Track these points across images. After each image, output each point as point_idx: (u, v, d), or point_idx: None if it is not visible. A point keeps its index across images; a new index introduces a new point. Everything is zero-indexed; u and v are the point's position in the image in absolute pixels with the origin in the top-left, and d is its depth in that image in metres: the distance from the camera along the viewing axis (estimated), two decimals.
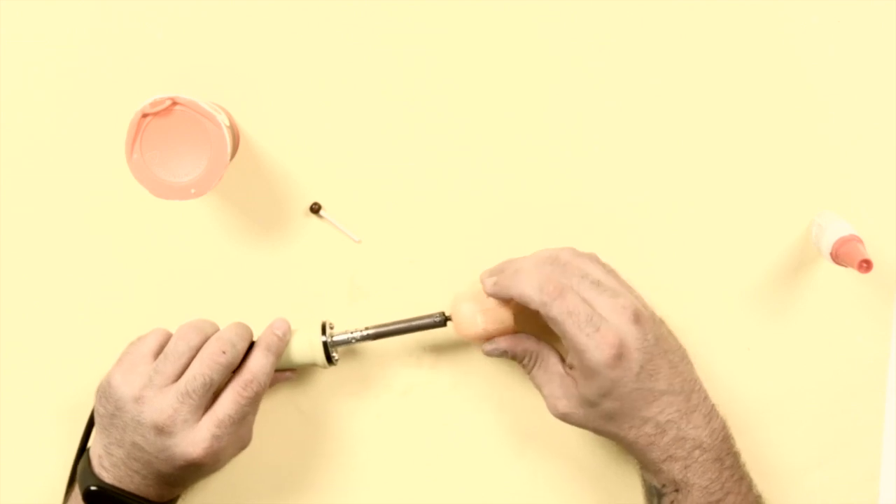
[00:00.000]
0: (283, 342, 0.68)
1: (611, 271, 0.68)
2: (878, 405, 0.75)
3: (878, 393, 0.75)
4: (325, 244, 0.73)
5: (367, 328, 0.70)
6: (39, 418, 0.73)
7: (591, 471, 0.74)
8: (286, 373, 0.72)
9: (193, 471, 0.65)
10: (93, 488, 0.65)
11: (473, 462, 0.76)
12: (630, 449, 0.67)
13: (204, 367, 0.65)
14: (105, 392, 0.66)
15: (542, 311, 0.64)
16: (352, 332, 0.70)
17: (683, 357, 0.67)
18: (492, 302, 0.68)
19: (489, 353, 0.69)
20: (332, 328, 0.70)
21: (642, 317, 0.64)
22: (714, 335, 0.74)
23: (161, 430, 0.64)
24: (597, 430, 0.67)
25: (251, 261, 0.73)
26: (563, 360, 0.69)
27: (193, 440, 0.64)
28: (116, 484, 0.65)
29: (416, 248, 0.73)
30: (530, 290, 0.64)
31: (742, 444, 0.70)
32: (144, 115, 0.62)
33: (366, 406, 0.75)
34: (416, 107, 0.72)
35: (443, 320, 0.69)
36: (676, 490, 0.65)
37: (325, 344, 0.69)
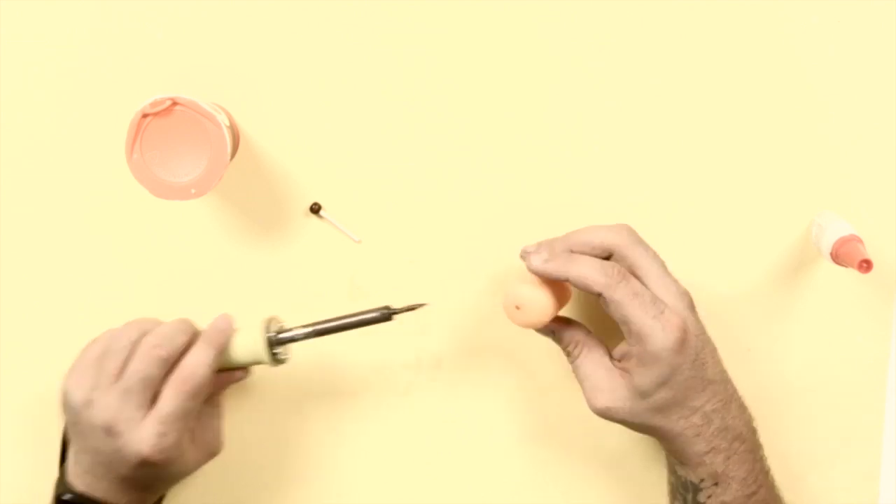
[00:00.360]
0: (224, 336, 0.66)
1: (659, 259, 0.66)
2: (878, 405, 0.75)
3: (878, 393, 0.75)
4: (325, 244, 0.73)
5: (310, 325, 0.67)
6: (38, 418, 0.73)
7: (592, 470, 0.74)
8: (236, 373, 0.69)
9: (150, 471, 0.64)
10: (65, 497, 0.65)
11: (473, 462, 0.76)
12: (674, 442, 0.65)
13: (140, 364, 0.63)
14: (63, 401, 0.65)
15: (606, 293, 0.61)
16: (295, 329, 0.67)
17: (715, 348, 0.66)
18: (545, 283, 0.65)
19: (540, 330, 0.67)
20: (278, 324, 0.68)
21: (693, 305, 0.64)
22: (714, 335, 0.74)
23: (109, 431, 0.63)
24: (640, 425, 0.65)
25: (251, 261, 0.73)
26: (609, 354, 0.67)
27: (140, 438, 0.62)
28: (87, 491, 0.65)
29: (417, 247, 0.73)
30: (593, 273, 0.62)
31: None
32: (144, 116, 0.62)
33: (366, 406, 0.75)
34: (417, 106, 0.72)
35: (388, 314, 0.67)
36: (716, 483, 0.65)
37: (268, 340, 0.67)
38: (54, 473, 0.66)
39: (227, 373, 0.68)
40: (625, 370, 0.64)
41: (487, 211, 0.73)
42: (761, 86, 0.72)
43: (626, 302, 0.61)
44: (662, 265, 0.65)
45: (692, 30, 0.72)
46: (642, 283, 0.63)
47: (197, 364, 0.64)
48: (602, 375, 0.65)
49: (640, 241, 0.65)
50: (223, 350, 0.66)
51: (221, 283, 0.73)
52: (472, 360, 0.74)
